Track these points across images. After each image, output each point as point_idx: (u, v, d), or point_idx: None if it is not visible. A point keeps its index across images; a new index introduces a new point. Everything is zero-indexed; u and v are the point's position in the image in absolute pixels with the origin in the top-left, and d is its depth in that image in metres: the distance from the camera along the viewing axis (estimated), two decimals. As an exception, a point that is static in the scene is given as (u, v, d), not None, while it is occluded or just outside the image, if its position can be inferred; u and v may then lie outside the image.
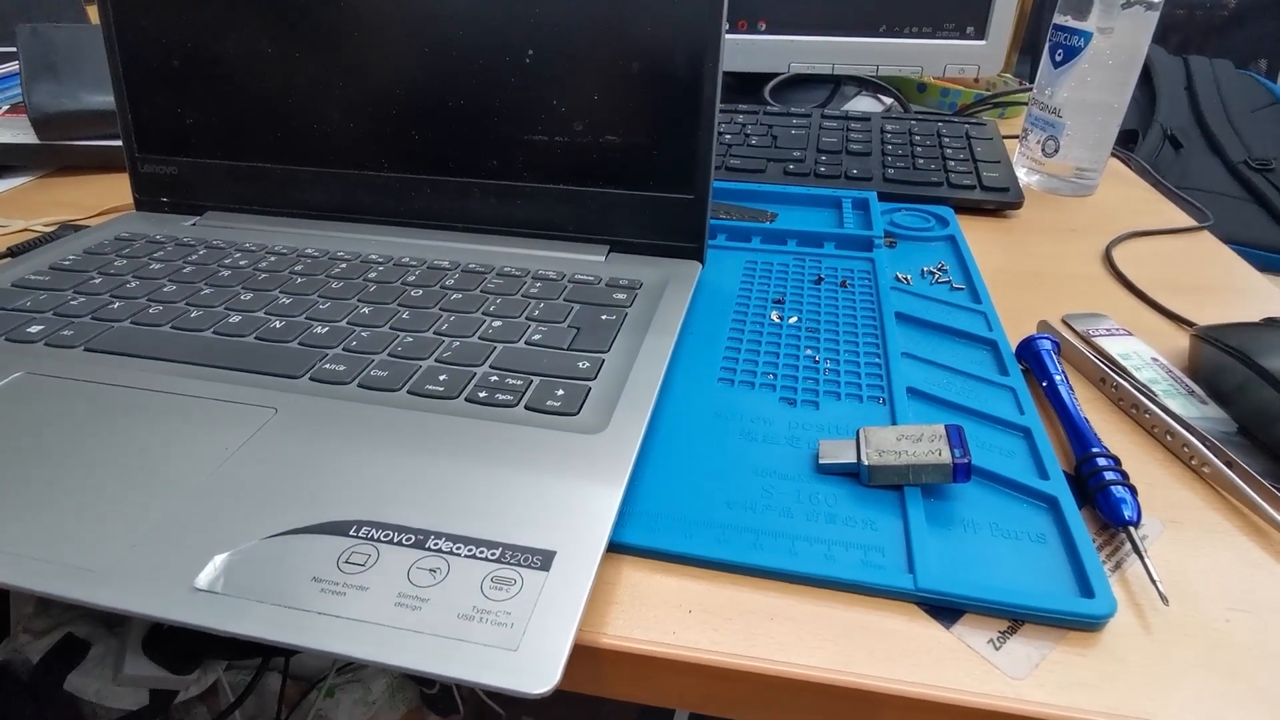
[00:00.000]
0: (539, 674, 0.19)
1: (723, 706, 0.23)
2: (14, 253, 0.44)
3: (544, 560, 0.22)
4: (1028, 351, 0.34)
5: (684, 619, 0.23)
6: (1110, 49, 0.51)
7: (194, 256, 0.42)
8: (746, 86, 0.76)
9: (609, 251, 0.42)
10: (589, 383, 0.31)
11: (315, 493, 0.25)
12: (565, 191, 0.42)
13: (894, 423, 0.31)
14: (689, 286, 0.38)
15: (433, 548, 0.23)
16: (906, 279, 0.42)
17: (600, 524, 0.24)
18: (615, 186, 0.41)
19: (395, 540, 0.23)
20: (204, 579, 0.21)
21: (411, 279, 0.39)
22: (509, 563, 0.22)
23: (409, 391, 0.30)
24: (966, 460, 0.26)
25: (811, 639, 0.22)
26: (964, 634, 0.23)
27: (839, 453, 0.28)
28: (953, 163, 0.55)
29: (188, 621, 0.20)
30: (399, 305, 0.37)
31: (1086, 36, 0.51)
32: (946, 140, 0.58)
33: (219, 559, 0.22)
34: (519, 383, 0.31)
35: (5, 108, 0.66)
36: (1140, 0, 0.49)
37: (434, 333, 0.34)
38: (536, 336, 0.34)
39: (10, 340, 0.34)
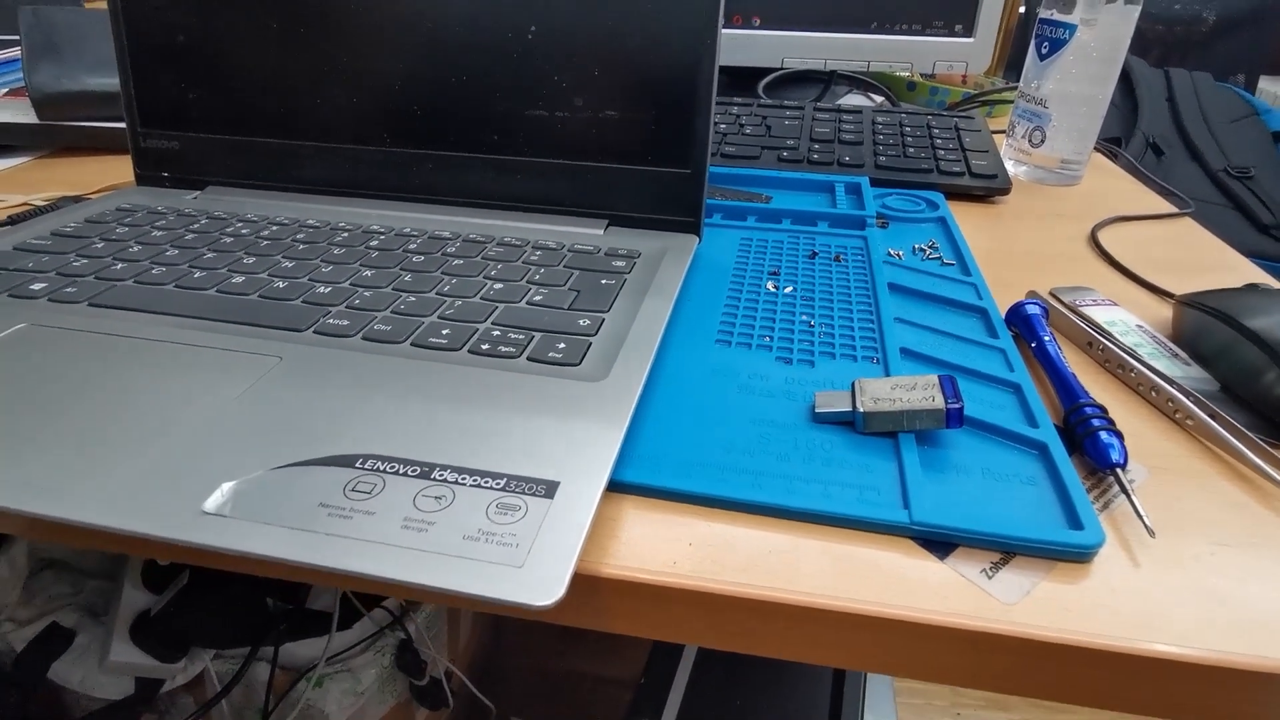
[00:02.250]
0: (544, 588, 0.19)
1: (723, 638, 0.23)
2: (14, 220, 0.44)
3: (548, 489, 0.23)
4: (1017, 316, 0.35)
5: (685, 551, 0.23)
6: (1094, 41, 0.52)
7: (196, 225, 0.42)
8: (741, 82, 0.77)
9: (608, 225, 0.43)
10: (590, 338, 0.31)
11: (320, 430, 0.25)
12: (565, 166, 0.42)
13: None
14: (686, 256, 0.39)
15: (438, 478, 0.23)
16: (899, 255, 0.43)
17: (603, 457, 0.24)
18: (614, 161, 0.42)
19: (400, 471, 0.23)
20: (212, 504, 0.22)
21: (413, 247, 0.39)
22: (514, 491, 0.22)
23: (412, 344, 0.31)
24: (959, 406, 0.27)
25: (810, 570, 0.23)
26: (957, 565, 0.23)
27: (835, 402, 0.29)
28: (942, 151, 0.56)
29: (195, 541, 0.21)
30: (401, 270, 0.37)
31: (1071, 29, 0.52)
32: (936, 132, 0.59)
33: (226, 486, 0.22)
34: (521, 337, 0.31)
35: (4, 91, 0.66)
36: (1123, -6, 0.51)
37: (436, 293, 0.35)
38: (538, 298, 0.34)
39: (13, 296, 0.34)
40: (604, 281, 0.36)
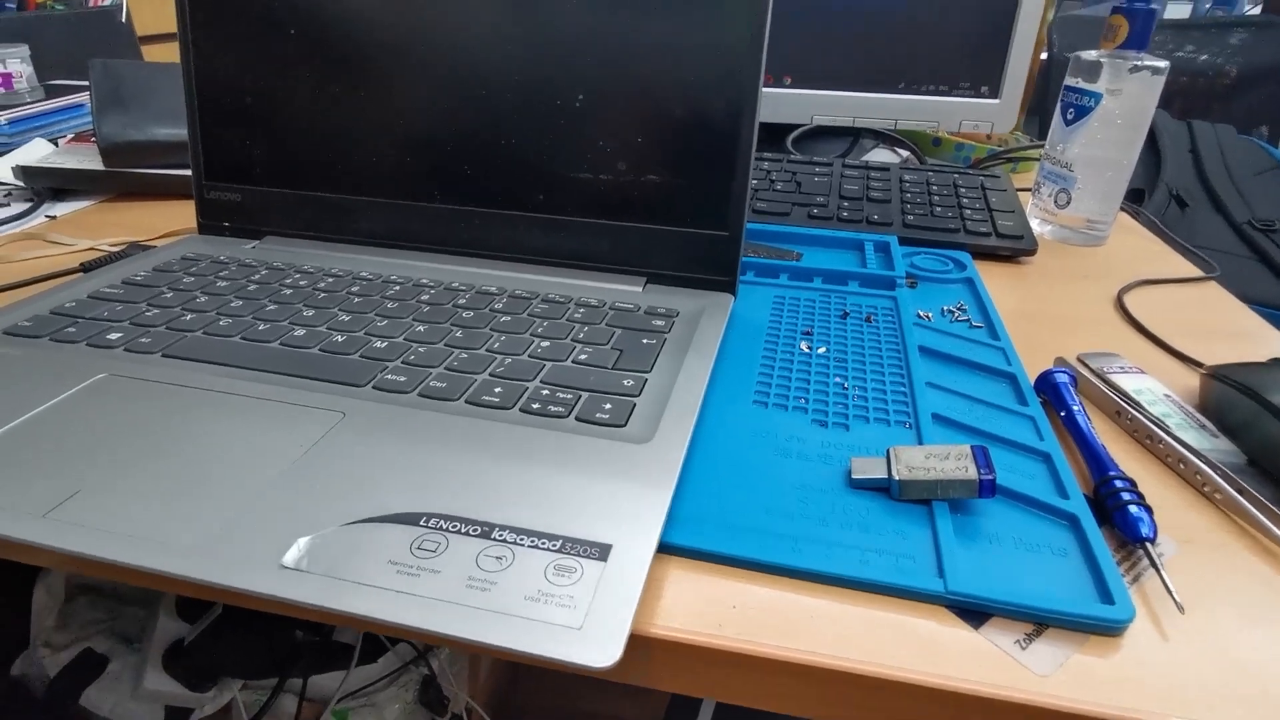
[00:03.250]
0: (602, 650, 0.21)
1: (764, 698, 0.24)
2: (87, 268, 0.47)
3: (602, 552, 0.24)
4: (1046, 384, 0.36)
5: (730, 614, 0.24)
6: (1119, 109, 0.54)
7: (257, 276, 0.44)
8: (770, 136, 0.79)
9: (646, 282, 0.44)
10: (634, 398, 0.33)
11: (385, 487, 0.27)
12: (607, 226, 0.44)
13: (921, 444, 0.32)
14: (723, 315, 0.41)
15: (497, 538, 0.24)
16: (928, 316, 0.45)
17: (652, 521, 0.25)
18: (654, 222, 0.44)
19: (463, 530, 0.25)
20: (290, 558, 0.23)
21: (462, 301, 0.41)
22: (569, 553, 0.24)
23: (467, 401, 0.32)
24: (992, 477, 0.28)
25: (850, 635, 0.24)
26: (991, 635, 0.24)
27: (871, 468, 0.30)
28: (969, 211, 0.58)
29: (279, 595, 0.22)
30: (451, 325, 0.39)
31: (1096, 98, 0.54)
32: (963, 190, 0.61)
33: (302, 541, 0.24)
34: (569, 396, 0.33)
35: (70, 136, 0.70)
36: (1147, 65, 0.53)
37: (486, 350, 0.36)
38: (583, 356, 0.36)
39: (91, 345, 0.36)
40: (645, 341, 0.38)
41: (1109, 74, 0.54)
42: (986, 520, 0.28)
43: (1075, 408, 0.34)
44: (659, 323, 0.40)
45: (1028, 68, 0.67)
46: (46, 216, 0.59)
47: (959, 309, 0.46)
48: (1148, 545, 0.27)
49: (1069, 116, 0.56)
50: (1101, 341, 0.43)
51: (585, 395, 0.33)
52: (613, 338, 0.38)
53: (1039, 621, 0.24)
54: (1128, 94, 0.53)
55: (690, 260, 0.44)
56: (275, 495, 0.26)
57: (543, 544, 0.24)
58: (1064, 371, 0.36)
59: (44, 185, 0.61)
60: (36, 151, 0.65)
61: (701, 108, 0.42)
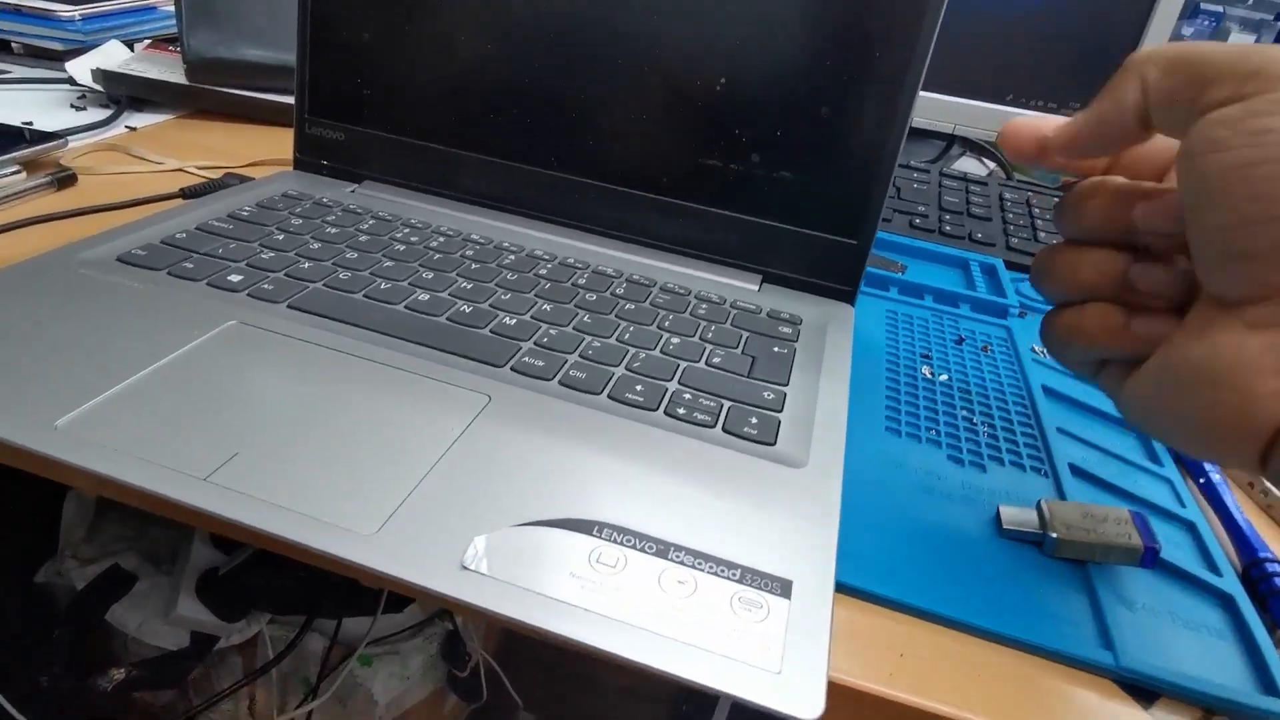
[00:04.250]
0: (804, 700, 0.20)
1: (931, 752, 0.24)
2: (187, 195, 0.45)
3: (783, 588, 0.23)
4: (1181, 445, 0.35)
5: (898, 663, 0.24)
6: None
7: (365, 225, 0.43)
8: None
9: (762, 281, 0.43)
10: (778, 414, 0.32)
11: (548, 486, 0.26)
12: (730, 219, 0.43)
13: (1062, 497, 0.32)
14: (848, 329, 0.40)
15: (675, 559, 0.24)
16: (1043, 353, 0.44)
17: (826, 557, 0.25)
18: (781, 220, 0.42)
19: (638, 547, 0.24)
20: (470, 558, 0.22)
21: (581, 281, 0.40)
22: (751, 585, 0.23)
23: (610, 396, 0.31)
24: (1157, 547, 0.27)
25: (1017, 697, 0.24)
26: (1162, 717, 0.24)
27: (1023, 520, 0.29)
28: (1074, 242, 0.56)
29: (466, 601, 0.21)
30: (576, 306, 0.38)
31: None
32: (1065, 218, 0.60)
33: (480, 541, 0.23)
34: (711, 404, 0.32)
35: (147, 41, 0.67)
36: None
37: (618, 340, 0.35)
38: (716, 359, 0.35)
39: (213, 285, 0.35)
40: (776, 350, 0.37)
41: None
42: (1141, 591, 0.28)
43: (1216, 476, 0.33)
44: (785, 329, 0.39)
45: (1142, 97, 0.65)
46: (126, 127, 0.56)
47: (1073, 348, 0.45)
48: (1309, 637, 0.26)
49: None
50: (1216, 400, 0.43)
51: (728, 405, 0.32)
52: (742, 341, 0.37)
53: (1208, 708, 0.24)
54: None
55: (813, 265, 0.43)
56: (439, 483, 0.25)
57: (723, 572, 0.23)
58: (1200, 435, 0.35)
59: (124, 93, 0.59)
60: (115, 56, 0.63)
61: (851, 107, 0.40)
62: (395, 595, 0.75)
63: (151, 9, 0.72)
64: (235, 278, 0.35)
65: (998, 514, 0.30)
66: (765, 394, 0.33)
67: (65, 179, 0.46)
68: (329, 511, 0.23)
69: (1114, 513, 0.29)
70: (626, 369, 0.33)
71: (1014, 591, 0.27)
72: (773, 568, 0.24)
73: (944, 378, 0.40)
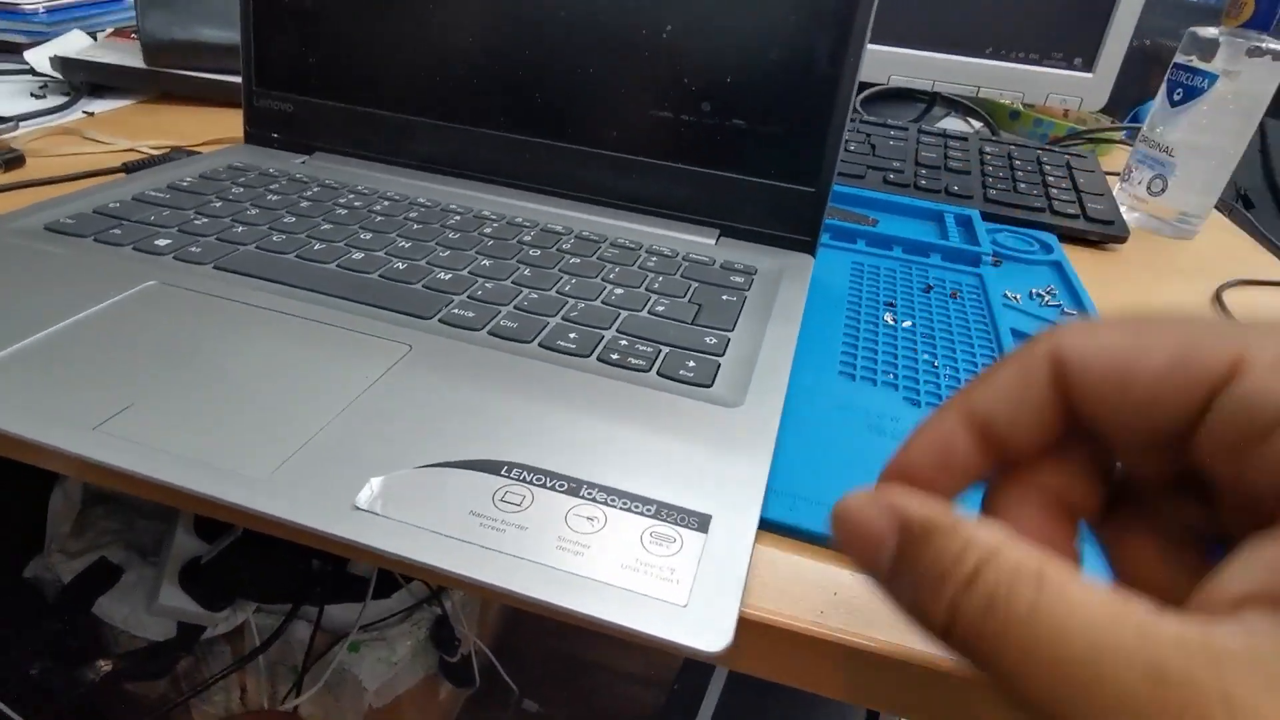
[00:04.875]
0: (712, 633, 0.19)
1: (866, 696, 0.22)
2: (129, 169, 0.44)
3: (701, 522, 0.22)
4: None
5: (830, 601, 0.23)
6: (1233, 95, 0.50)
7: (309, 193, 0.42)
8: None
9: (720, 235, 0.42)
10: (718, 358, 0.30)
11: (460, 430, 0.25)
12: (684, 171, 0.41)
13: (1022, 435, 0.30)
14: (805, 277, 0.38)
15: (586, 496, 0.22)
16: (1016, 298, 0.42)
17: (752, 492, 0.23)
18: (736, 171, 0.41)
19: (548, 485, 0.23)
20: (363, 499, 0.21)
21: (527, 239, 0.39)
22: (665, 520, 0.22)
23: (540, 345, 0.30)
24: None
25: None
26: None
27: (975, 456, 0.28)
28: (1055, 190, 0.54)
29: (355, 540, 0.20)
30: (518, 262, 0.36)
31: (1210, 78, 0.50)
32: (1048, 168, 0.58)
33: (375, 481, 0.22)
34: (649, 349, 0.30)
35: (109, 30, 0.67)
36: (1270, 49, 0.49)
37: (557, 292, 0.34)
38: (659, 308, 0.34)
39: (138, 250, 0.34)
40: (725, 298, 0.35)
41: (1226, 54, 0.50)
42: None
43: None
44: (738, 279, 0.37)
45: (1127, 41, 0.63)
46: (84, 113, 0.56)
47: (1048, 293, 0.43)
48: None
49: (1176, 97, 0.53)
50: (1200, 341, 0.41)
51: (666, 350, 0.30)
52: (690, 291, 0.35)
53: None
54: (1246, 78, 0.49)
55: (770, 216, 0.41)
56: (343, 429, 0.24)
57: (636, 508, 0.22)
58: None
59: (82, 79, 0.58)
60: (74, 44, 0.62)
61: (801, 50, 0.38)
62: (382, 581, 0.74)
63: (116, 0, 0.71)
64: (162, 242, 0.34)
65: (950, 452, 0.28)
66: (708, 339, 0.32)
67: (12, 160, 0.45)
68: (221, 458, 0.22)
69: (1071, 444, 0.27)
70: (563, 319, 0.32)
71: (962, 528, 0.25)
72: (692, 503, 0.22)
73: (908, 324, 0.38)
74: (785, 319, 0.34)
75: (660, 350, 0.30)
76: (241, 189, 0.41)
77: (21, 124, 0.51)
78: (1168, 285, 0.47)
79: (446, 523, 0.21)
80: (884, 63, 0.67)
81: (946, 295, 0.41)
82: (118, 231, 0.35)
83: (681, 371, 0.29)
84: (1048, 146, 0.62)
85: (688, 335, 0.32)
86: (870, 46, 0.67)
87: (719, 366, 0.30)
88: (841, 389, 0.32)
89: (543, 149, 0.43)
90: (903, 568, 0.13)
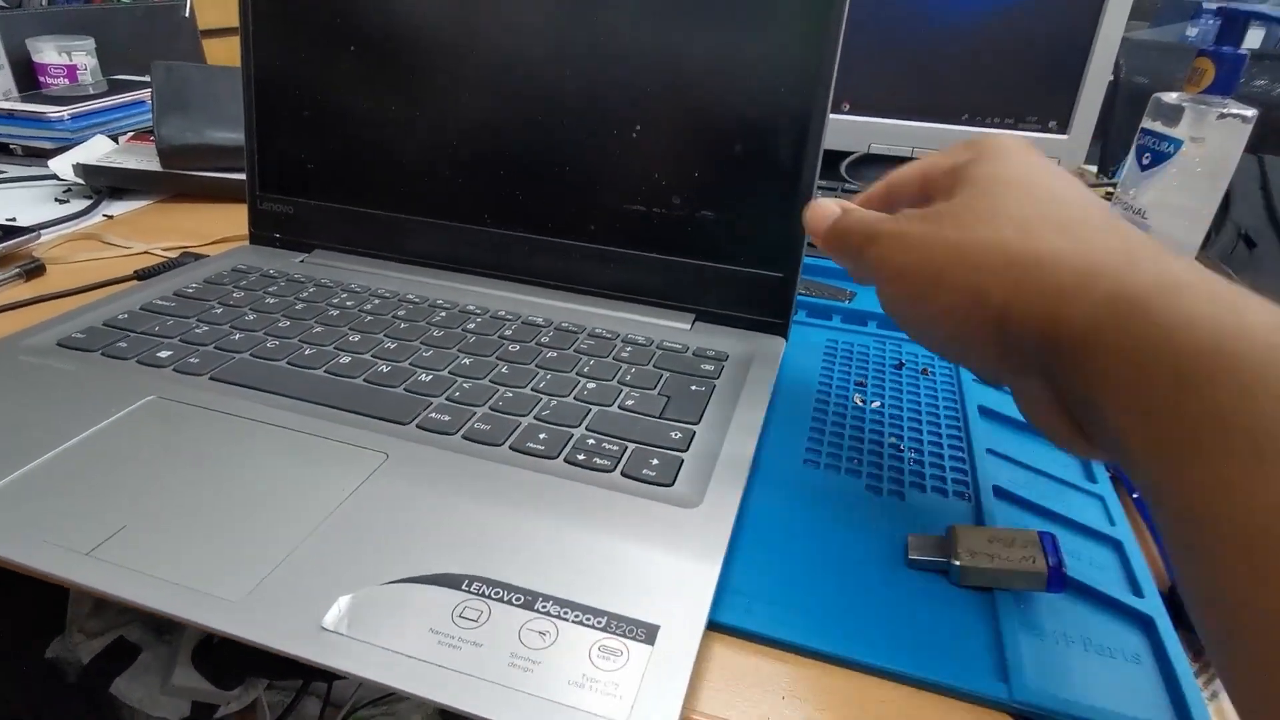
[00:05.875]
0: (648, 750, 0.20)
1: (812, 799, 0.23)
2: (141, 276, 0.47)
3: (648, 634, 0.23)
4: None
5: (778, 704, 0.23)
6: (1200, 158, 0.51)
7: (304, 294, 0.44)
8: (824, 162, 0.78)
9: (695, 320, 0.43)
10: (681, 454, 0.32)
11: (427, 542, 0.26)
12: (658, 260, 0.43)
13: (981, 521, 0.31)
14: (774, 362, 0.39)
15: (541, 609, 0.24)
16: (987, 371, 0.43)
17: (700, 601, 0.24)
18: (707, 259, 0.43)
19: (505, 599, 0.24)
20: (330, 619, 0.23)
21: (508, 333, 0.41)
22: (615, 633, 0.23)
23: (510, 447, 0.31)
24: (1061, 570, 0.26)
25: (904, 739, 0.23)
26: (1059, 751, 0.23)
27: (929, 549, 0.28)
28: (1032, 255, 0.55)
29: (318, 661, 0.21)
30: (497, 359, 0.38)
31: (1177, 144, 0.52)
32: (1025, 232, 0.59)
33: (343, 601, 0.23)
34: (615, 448, 0.32)
35: (130, 134, 0.71)
36: (1234, 113, 0.50)
37: (532, 389, 0.36)
38: (629, 402, 0.35)
39: (142, 363, 0.36)
40: (694, 388, 0.37)
41: (1191, 120, 0.51)
42: (1052, 616, 0.27)
43: (1149, 490, 0.32)
44: (708, 367, 0.38)
45: (1100, 102, 0.65)
46: (104, 216, 0.60)
47: (1021, 364, 0.44)
48: (1231, 659, 0.25)
49: (1145, 161, 0.54)
50: (1173, 409, 0.41)
51: (631, 447, 0.32)
52: (660, 382, 0.37)
53: (1111, 739, 0.23)
54: (1211, 142, 0.51)
55: (741, 300, 0.43)
56: (317, 544, 0.26)
57: (588, 620, 0.23)
58: (1136, 447, 0.34)
59: (103, 184, 0.62)
60: (98, 149, 0.67)
61: (761, 144, 0.40)
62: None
63: (139, 104, 0.76)
64: (164, 353, 0.37)
65: (907, 543, 0.29)
66: (673, 434, 0.33)
67: (33, 270, 0.48)
68: (203, 580, 0.24)
69: (1022, 535, 0.28)
70: (535, 418, 0.34)
71: (914, 624, 0.26)
72: (641, 613, 0.24)
73: (876, 404, 0.39)
74: (750, 407, 0.35)
75: (626, 448, 0.32)
76: (242, 292, 0.44)
77: (44, 231, 0.55)
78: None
79: (406, 642, 0.22)
80: (863, 132, 0.70)
81: (917, 372, 0.42)
82: (124, 345, 0.37)
83: (645, 470, 0.30)
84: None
85: (654, 431, 0.33)
86: (849, 117, 0.70)
87: (681, 463, 0.31)
88: (805, 479, 0.33)
89: (526, 243, 0.46)
90: (836, 226, 0.31)
